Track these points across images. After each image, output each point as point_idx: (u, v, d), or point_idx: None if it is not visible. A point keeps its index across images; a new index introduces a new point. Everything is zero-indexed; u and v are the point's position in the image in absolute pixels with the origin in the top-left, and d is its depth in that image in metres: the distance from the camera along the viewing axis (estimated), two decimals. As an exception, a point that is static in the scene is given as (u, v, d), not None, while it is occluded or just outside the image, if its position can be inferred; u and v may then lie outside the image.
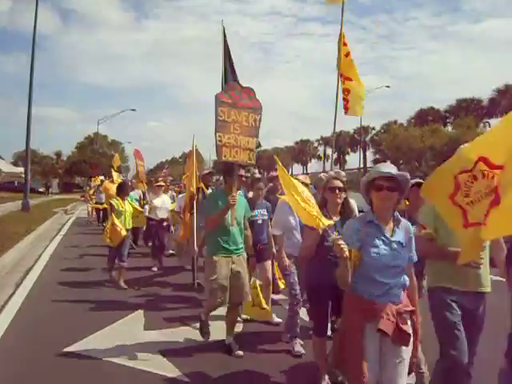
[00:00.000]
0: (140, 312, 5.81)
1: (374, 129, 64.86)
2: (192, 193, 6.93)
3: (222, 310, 4.76)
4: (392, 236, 2.65)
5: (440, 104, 58.48)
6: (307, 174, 67.74)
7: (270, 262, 5.31)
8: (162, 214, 9.08)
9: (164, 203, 9.13)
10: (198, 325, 4.81)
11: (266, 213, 5.52)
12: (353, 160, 69.84)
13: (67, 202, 30.30)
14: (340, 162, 69.00)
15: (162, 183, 9.57)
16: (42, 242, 11.95)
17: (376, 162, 45.64)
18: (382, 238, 2.63)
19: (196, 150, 7.59)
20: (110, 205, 7.62)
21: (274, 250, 5.15)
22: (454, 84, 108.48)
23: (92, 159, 53.40)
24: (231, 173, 4.47)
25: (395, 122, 61.09)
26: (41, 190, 45.48)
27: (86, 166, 53.65)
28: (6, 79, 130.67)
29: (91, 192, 18.06)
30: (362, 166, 61.76)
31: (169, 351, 4.46)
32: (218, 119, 4.35)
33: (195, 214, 6.70)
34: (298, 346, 4.51)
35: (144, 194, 11.56)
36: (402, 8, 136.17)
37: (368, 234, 2.64)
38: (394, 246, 2.63)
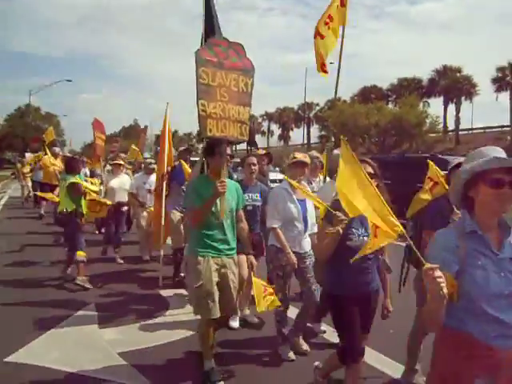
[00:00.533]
0: (91, 307, 5.19)
1: (317, 105, 65.31)
2: (162, 172, 6.19)
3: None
4: (500, 251, 1.85)
5: (380, 82, 59.91)
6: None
7: (251, 260, 4.07)
8: (120, 197, 7.73)
9: (123, 184, 7.80)
10: (157, 320, 4.29)
11: (258, 197, 4.69)
12: (296, 136, 69.90)
13: (-2, 180, 28.06)
14: (284, 137, 69.14)
15: (121, 161, 8.36)
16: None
17: (321, 137, 45.87)
18: (489, 254, 1.84)
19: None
20: (73, 185, 6.07)
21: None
22: (392, 64, 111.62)
23: (24, 133, 49.78)
24: (217, 152, 3.53)
25: (339, 99, 61.86)
26: (-34, 166, 41.85)
27: (17, 141, 49.94)
28: None
29: (27, 170, 15.98)
30: (305, 141, 62.48)
31: (128, 354, 3.93)
32: (201, 82, 3.44)
33: (163, 198, 6.06)
34: (286, 351, 3.98)
35: (93, 172, 10.54)
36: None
37: (469, 252, 1.84)
38: (506, 265, 1.84)
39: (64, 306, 5.13)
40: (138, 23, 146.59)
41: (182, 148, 7.26)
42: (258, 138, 74.69)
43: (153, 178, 7.27)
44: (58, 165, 10.16)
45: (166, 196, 6.21)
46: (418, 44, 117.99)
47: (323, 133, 48.09)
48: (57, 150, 11.27)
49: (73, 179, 6.06)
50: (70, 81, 51.66)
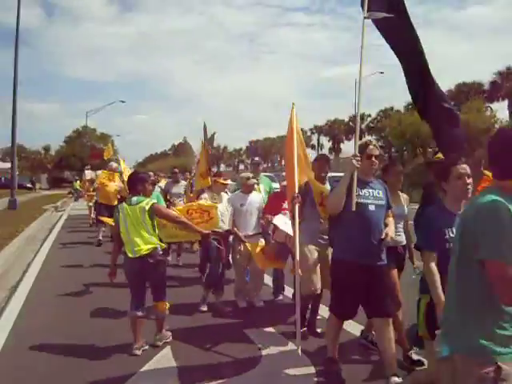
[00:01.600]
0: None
1: (369, 116, 63.54)
2: (293, 191, 4.22)
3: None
4: None
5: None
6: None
7: None
8: (226, 225, 5.56)
9: (225, 209, 5.61)
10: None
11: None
12: (348, 148, 68.05)
13: (57, 198, 28.56)
14: (335, 150, 67.73)
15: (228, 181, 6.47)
16: (30, 246, 10.40)
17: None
18: None
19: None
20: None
21: None
22: (441, 71, 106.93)
23: (81, 153, 51.46)
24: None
25: (391, 108, 60.12)
26: (29, 185, 43.51)
27: (75, 160, 51.65)
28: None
29: (88, 188, 14.33)
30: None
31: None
32: None
33: (297, 226, 4.07)
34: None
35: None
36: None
37: None
38: None
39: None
40: (184, 46, 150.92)
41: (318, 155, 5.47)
42: (308, 151, 74.12)
43: (255, 197, 5.70)
44: (115, 182, 9.87)
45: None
46: (467, 49, 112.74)
47: (380, 144, 46.15)
48: (114, 165, 10.52)
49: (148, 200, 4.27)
50: (123, 102, 53.01)
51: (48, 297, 6.20)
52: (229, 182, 6.48)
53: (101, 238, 10.45)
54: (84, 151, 53.78)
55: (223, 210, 5.43)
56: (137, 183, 4.32)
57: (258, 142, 77.22)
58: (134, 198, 4.22)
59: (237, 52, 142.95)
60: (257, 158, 6.46)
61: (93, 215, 13.38)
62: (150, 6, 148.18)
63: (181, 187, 9.15)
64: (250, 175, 5.85)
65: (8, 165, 68.17)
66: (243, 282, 5.74)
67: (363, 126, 63.88)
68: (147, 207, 4.15)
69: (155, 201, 4.37)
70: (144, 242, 4.10)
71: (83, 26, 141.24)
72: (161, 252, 4.28)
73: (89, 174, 14.39)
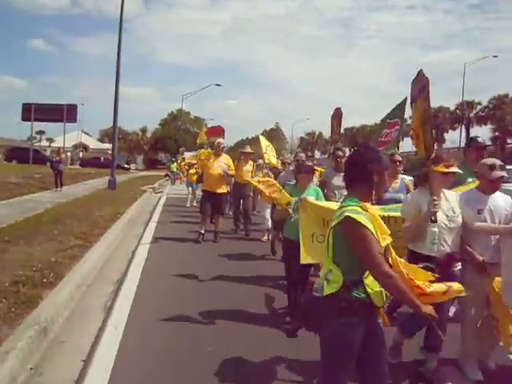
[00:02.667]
0: None
1: (479, 103, 57.31)
2: None
3: None
4: None
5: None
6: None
7: None
8: None
9: None
10: None
11: None
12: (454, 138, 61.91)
13: (153, 179, 28.47)
14: (438, 140, 62.20)
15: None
16: (133, 230, 9.31)
17: (496, 139, 38.68)
18: None
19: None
20: None
21: None
22: None
23: (176, 135, 52.23)
24: None
25: (506, 95, 53.87)
26: (126, 166, 44.79)
27: (170, 142, 52.52)
28: (93, 61, 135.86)
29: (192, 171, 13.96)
30: (462, 144, 55.28)
31: None
32: None
33: None
34: None
35: None
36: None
37: None
38: None
39: None
40: (276, 31, 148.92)
41: None
42: (406, 141, 69.23)
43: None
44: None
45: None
46: None
47: (497, 134, 40.52)
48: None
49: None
50: (219, 85, 53.16)
51: (159, 289, 5.36)
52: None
53: (203, 231, 8.56)
54: (179, 134, 54.65)
55: None
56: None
57: (354, 129, 73.65)
58: None
59: (330, 37, 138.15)
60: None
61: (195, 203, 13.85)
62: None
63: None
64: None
65: (107, 145, 72.15)
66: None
67: (471, 115, 58.08)
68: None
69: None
70: None
71: (177, 13, 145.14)
72: None
73: (189, 157, 13.59)
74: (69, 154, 29.94)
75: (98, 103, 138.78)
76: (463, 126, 57.87)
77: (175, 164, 24.23)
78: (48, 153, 47.12)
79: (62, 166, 16.52)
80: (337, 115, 7.80)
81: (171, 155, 41.86)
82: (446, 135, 62.38)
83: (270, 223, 8.11)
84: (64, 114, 18.46)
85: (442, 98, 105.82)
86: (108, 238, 7.75)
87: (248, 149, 10.10)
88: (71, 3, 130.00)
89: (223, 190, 8.70)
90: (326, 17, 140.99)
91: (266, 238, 8.65)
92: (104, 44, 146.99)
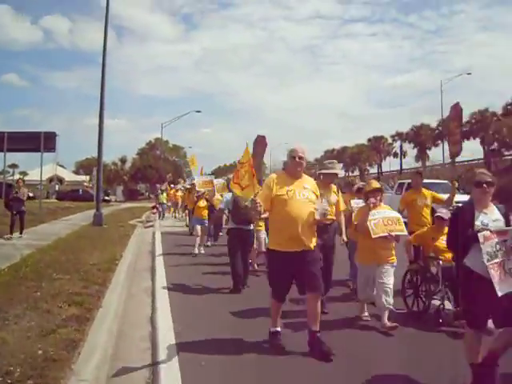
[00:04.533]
0: None
1: (460, 120, 57.30)
2: None
3: None
4: None
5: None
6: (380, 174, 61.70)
7: None
8: None
9: None
10: None
11: None
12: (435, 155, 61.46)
13: (138, 212, 26.23)
14: (422, 157, 61.92)
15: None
16: (140, 282, 7.25)
17: (493, 151, 37.48)
18: None
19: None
20: None
21: None
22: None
23: (156, 164, 50.12)
24: None
25: (486, 109, 54.23)
26: (106, 198, 42.19)
27: (151, 171, 50.26)
28: (67, 94, 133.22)
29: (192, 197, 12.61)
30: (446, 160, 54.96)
31: None
32: None
33: None
34: None
35: None
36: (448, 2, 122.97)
37: None
38: None
39: None
40: (247, 61, 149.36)
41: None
42: (389, 160, 68.78)
43: None
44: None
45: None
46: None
47: (495, 146, 39.33)
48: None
49: None
50: (199, 111, 51.51)
51: None
52: None
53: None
54: (158, 163, 52.53)
55: None
56: None
57: (334, 151, 72.92)
58: None
59: (298, 65, 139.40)
60: None
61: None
62: (213, 23, 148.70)
63: None
64: None
65: (82, 177, 69.61)
66: None
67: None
68: None
69: None
70: None
71: (150, 46, 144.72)
72: None
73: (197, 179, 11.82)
74: (40, 187, 27.18)
75: (71, 135, 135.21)
76: (446, 143, 57.61)
77: (164, 195, 21.95)
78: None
79: (23, 206, 12.14)
80: (260, 143, 8.54)
81: (152, 185, 39.54)
82: (429, 152, 62.12)
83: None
84: (41, 142, 16.26)
85: (409, 117, 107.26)
86: (112, 301, 5.72)
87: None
88: (44, 38, 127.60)
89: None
90: (293, 45, 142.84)
91: None
92: (77, 78, 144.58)
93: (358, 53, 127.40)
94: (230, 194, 6.79)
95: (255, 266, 7.86)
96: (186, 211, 16.56)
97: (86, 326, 4.52)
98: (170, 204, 22.53)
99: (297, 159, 4.19)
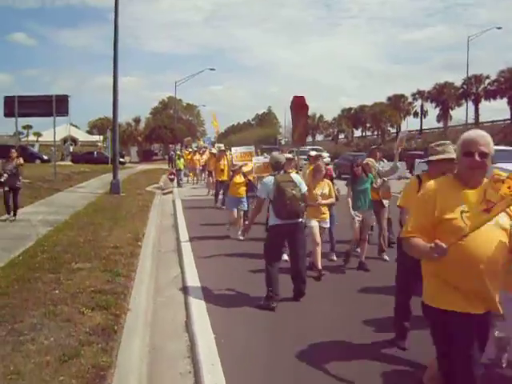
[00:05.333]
0: None
1: (488, 77, 54.75)
2: None
3: None
4: None
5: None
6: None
7: None
8: None
9: None
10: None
11: None
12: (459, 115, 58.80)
13: (156, 175, 25.59)
14: (444, 117, 59.56)
15: None
16: (167, 270, 6.56)
17: None
18: None
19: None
20: None
21: None
22: None
23: (171, 124, 48.96)
24: None
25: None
26: (121, 160, 41.61)
27: (166, 132, 49.23)
28: (77, 52, 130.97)
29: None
30: (473, 121, 52.92)
31: None
32: None
33: None
34: None
35: None
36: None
37: None
38: None
39: None
40: (257, 15, 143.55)
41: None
42: (410, 119, 66.45)
43: None
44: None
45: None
46: None
47: None
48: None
49: None
50: (213, 69, 49.71)
51: None
52: None
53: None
54: (174, 122, 51.38)
55: None
56: None
57: (352, 109, 70.62)
58: None
59: (313, 18, 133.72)
60: None
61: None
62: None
63: None
64: None
65: (96, 137, 68.75)
66: None
67: (480, 90, 55.51)
68: None
69: None
70: None
71: (159, 1, 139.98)
72: None
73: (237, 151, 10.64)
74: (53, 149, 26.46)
75: (83, 95, 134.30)
76: (470, 102, 55.23)
77: (182, 160, 20.82)
78: (36, 149, 43.80)
79: (18, 181, 9.84)
80: (297, 105, 7.65)
81: (166, 146, 38.49)
82: (451, 112, 59.71)
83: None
84: (53, 106, 15.40)
85: (428, 75, 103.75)
86: (140, 301, 5.02)
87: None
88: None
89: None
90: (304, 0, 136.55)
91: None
92: (86, 36, 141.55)
93: (376, 6, 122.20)
94: (272, 179, 5.14)
95: (318, 265, 6.04)
96: (209, 177, 15.82)
97: (115, 342, 3.82)
98: (187, 171, 21.37)
99: (477, 157, 2.38)
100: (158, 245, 8.19)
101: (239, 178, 8.99)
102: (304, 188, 5.31)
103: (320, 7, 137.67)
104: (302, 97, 7.83)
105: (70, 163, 37.32)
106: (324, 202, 6.28)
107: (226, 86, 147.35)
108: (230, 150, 10.98)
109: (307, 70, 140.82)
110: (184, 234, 8.78)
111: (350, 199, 6.52)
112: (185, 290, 5.57)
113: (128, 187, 17.07)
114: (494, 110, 76.81)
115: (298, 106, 7.86)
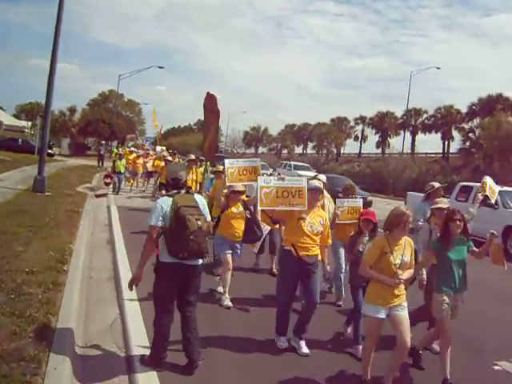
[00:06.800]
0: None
1: (426, 112, 57.54)
2: None
3: None
4: None
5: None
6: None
7: None
8: None
9: None
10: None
11: None
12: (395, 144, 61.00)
13: (88, 173, 23.16)
14: (383, 144, 61.64)
15: None
16: (103, 310, 4.93)
17: (462, 150, 36.25)
18: None
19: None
20: None
21: None
22: (467, 75, 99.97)
23: (109, 118, 45.84)
24: None
25: (451, 106, 54.65)
26: (49, 151, 38.04)
27: (104, 126, 45.96)
28: (13, 30, 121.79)
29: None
30: (409, 150, 54.96)
31: None
32: None
33: None
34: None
35: None
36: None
37: None
38: None
39: None
40: (211, 21, 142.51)
41: None
42: (350, 142, 67.92)
43: None
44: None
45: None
46: (493, 57, 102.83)
47: (466, 145, 37.46)
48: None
49: None
50: (161, 67, 47.82)
51: None
52: None
53: None
54: (112, 117, 48.22)
55: None
56: None
57: (295, 126, 71.07)
58: None
59: (263, 33, 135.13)
60: None
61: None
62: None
63: None
64: None
65: (22, 123, 63.28)
66: None
67: (418, 123, 58.10)
68: None
69: None
70: None
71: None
72: None
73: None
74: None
75: (15, 76, 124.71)
76: (408, 133, 57.42)
77: (123, 161, 16.81)
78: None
79: None
80: (209, 104, 7.31)
81: (100, 141, 35.58)
82: (390, 140, 61.72)
83: None
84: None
85: (365, 102, 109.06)
86: (63, 373, 3.41)
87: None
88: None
89: None
90: (261, 13, 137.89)
91: None
92: (25, 12, 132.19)
93: (323, 31, 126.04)
94: (168, 201, 3.76)
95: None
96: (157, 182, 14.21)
97: None
98: (128, 174, 17.95)
99: None
100: (89, 268, 6.49)
101: (236, 209, 5.87)
102: (209, 216, 4.02)
103: (272, 24, 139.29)
104: (214, 96, 7.25)
105: (-12, 149, 33.38)
106: (405, 275, 3.82)
107: (171, 87, 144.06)
108: (178, 155, 9.71)
109: (251, 81, 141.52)
110: (122, 255, 7.14)
111: (424, 271, 4.53)
112: (127, 347, 4.03)
113: (55, 185, 14.81)
114: (425, 142, 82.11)
115: (210, 104, 7.32)
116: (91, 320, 4.66)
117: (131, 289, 3.90)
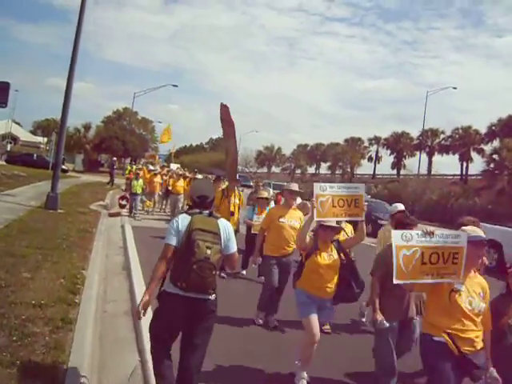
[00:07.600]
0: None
1: (443, 133, 56.63)
2: None
3: None
4: None
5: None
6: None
7: None
8: None
9: None
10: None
11: None
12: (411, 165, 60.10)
13: (101, 190, 22.65)
14: (398, 165, 60.63)
15: None
16: (120, 357, 4.20)
17: (487, 173, 34.52)
18: None
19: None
20: None
21: None
22: (479, 96, 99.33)
23: (123, 136, 45.71)
24: None
25: (469, 127, 53.93)
26: (64, 167, 37.82)
27: (118, 143, 45.79)
28: (33, 49, 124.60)
29: None
30: (425, 172, 53.79)
31: None
32: None
33: None
34: None
35: None
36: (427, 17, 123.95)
37: None
38: None
39: None
40: (223, 42, 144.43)
41: None
42: (364, 163, 67.03)
43: None
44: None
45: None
46: (502, 77, 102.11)
47: (491, 166, 35.46)
48: None
49: None
50: (175, 86, 47.88)
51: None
52: None
53: None
54: (127, 135, 48.05)
55: None
56: None
57: (308, 146, 70.53)
58: None
59: (275, 54, 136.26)
60: None
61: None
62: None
63: None
64: None
65: (38, 138, 63.73)
66: None
67: (434, 144, 57.11)
68: None
69: None
70: None
71: (126, 11, 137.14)
72: None
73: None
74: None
75: (33, 94, 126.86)
76: (424, 154, 56.44)
77: (140, 181, 14.90)
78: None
79: None
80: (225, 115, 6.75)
81: (111, 159, 34.98)
82: (405, 161, 60.71)
83: None
84: (-8, 93, 12.63)
85: (376, 123, 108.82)
86: None
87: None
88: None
89: None
90: (272, 34, 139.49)
91: None
92: (46, 34, 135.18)
93: (334, 52, 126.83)
94: (187, 219, 3.22)
95: None
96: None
97: None
98: (144, 196, 15.83)
99: None
100: (103, 299, 5.77)
101: (327, 253, 4.37)
102: (233, 248, 3.32)
103: (283, 44, 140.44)
104: (227, 106, 6.66)
105: (3, 163, 33.22)
106: None
107: (183, 106, 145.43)
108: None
109: (263, 101, 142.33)
110: (139, 284, 6.36)
111: None
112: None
113: (68, 202, 14.23)
114: (442, 163, 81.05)
115: (225, 115, 6.74)
116: (107, 369, 3.91)
117: (139, 317, 3.17)
